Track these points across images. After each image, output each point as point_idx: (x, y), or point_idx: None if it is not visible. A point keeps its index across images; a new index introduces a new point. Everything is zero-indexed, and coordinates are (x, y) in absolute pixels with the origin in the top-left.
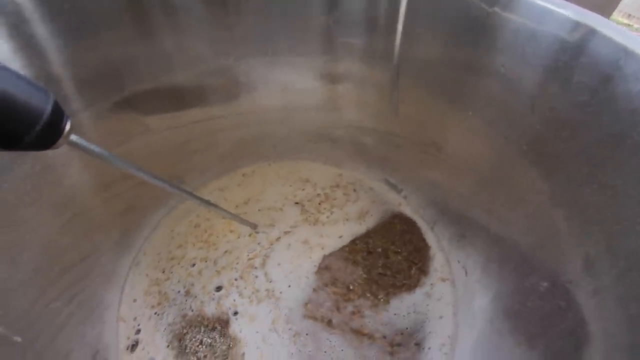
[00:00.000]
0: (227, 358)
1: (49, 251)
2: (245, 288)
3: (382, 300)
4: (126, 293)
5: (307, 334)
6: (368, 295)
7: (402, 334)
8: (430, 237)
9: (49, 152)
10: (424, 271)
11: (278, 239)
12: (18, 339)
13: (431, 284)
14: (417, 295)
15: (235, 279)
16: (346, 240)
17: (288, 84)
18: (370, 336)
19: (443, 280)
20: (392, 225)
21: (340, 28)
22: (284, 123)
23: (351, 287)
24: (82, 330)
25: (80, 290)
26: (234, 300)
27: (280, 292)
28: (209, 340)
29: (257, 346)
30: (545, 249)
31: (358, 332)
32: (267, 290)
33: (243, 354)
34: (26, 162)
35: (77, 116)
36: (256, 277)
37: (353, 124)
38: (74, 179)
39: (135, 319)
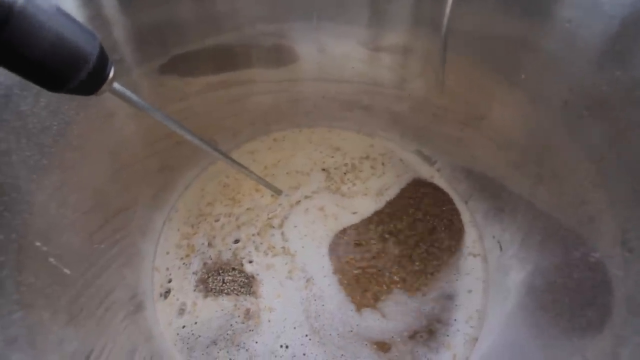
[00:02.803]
0: (251, 288)
1: (96, 198)
2: (261, 243)
3: (404, 276)
4: (160, 246)
5: (321, 291)
6: (387, 271)
7: (425, 306)
8: (463, 211)
9: (92, 101)
10: (453, 247)
11: (298, 202)
12: (67, 271)
13: (460, 261)
14: (445, 271)
15: (253, 234)
16: (360, 217)
17: (330, 50)
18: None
19: (474, 256)
20: (418, 199)
21: None
22: (321, 89)
23: (367, 262)
24: (122, 273)
25: (121, 238)
26: (249, 252)
27: (295, 251)
28: (230, 278)
29: (274, 287)
30: (600, 220)
31: (374, 301)
32: (283, 247)
33: (261, 291)
34: (72, 107)
35: (125, 77)
36: (273, 235)
37: (391, 92)
38: (119, 134)
39: (167, 269)
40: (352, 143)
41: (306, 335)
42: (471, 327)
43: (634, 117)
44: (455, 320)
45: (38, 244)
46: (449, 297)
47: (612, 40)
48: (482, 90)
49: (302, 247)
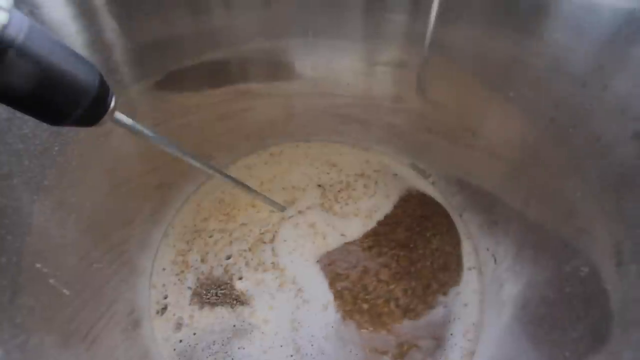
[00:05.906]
0: (244, 300)
1: (94, 216)
2: (252, 259)
3: (399, 290)
4: (157, 262)
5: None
6: (381, 286)
7: (421, 321)
8: (458, 224)
9: None
10: (448, 260)
11: (290, 217)
12: (66, 292)
13: (455, 274)
14: (440, 285)
15: (244, 250)
16: (349, 238)
17: (325, 65)
18: (386, 323)
19: (469, 269)
20: (412, 212)
21: (380, 9)
22: (317, 104)
23: (360, 279)
24: (120, 290)
25: (118, 256)
26: (240, 269)
27: (285, 265)
28: (223, 291)
29: (266, 300)
30: (590, 233)
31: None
32: (273, 263)
33: (254, 304)
34: (72, 128)
35: (123, 95)
36: (264, 251)
37: (386, 106)
38: (117, 151)
39: (163, 285)
40: (348, 158)
41: (291, 356)
42: (468, 340)
43: (617, 132)
44: (452, 334)
45: (38, 265)
46: (445, 311)
47: (595, 61)
48: (474, 105)
49: (291, 261)
